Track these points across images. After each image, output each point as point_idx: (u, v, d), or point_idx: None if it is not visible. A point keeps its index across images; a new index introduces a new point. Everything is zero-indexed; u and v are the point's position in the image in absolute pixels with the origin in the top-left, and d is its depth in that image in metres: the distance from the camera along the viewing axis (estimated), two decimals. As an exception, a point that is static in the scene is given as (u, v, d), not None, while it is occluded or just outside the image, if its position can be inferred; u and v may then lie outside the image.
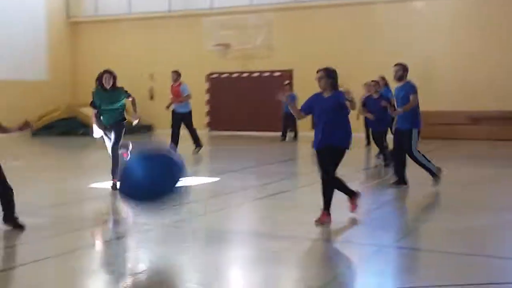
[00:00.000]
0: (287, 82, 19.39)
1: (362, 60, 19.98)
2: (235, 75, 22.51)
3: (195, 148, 14.85)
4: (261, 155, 15.36)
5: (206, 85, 23.20)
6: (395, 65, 9.44)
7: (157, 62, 23.28)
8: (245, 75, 22.39)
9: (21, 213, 7.52)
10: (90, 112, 24.89)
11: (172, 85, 15.04)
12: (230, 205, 8.32)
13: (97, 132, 9.51)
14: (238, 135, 20.93)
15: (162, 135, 21.55)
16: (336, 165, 6.90)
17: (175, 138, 14.51)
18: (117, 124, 9.32)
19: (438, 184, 9.37)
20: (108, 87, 9.42)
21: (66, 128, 21.33)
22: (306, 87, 21.26)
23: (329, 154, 6.82)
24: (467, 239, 6.31)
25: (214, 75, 23.06)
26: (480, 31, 19.44)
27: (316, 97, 7.03)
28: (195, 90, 24.09)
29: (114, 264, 5.56)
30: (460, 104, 19.41)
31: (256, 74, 22.08)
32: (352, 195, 7.17)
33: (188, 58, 22.93)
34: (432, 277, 5.02)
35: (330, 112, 6.79)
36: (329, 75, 6.86)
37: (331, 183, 6.86)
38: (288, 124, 18.67)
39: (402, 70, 9.34)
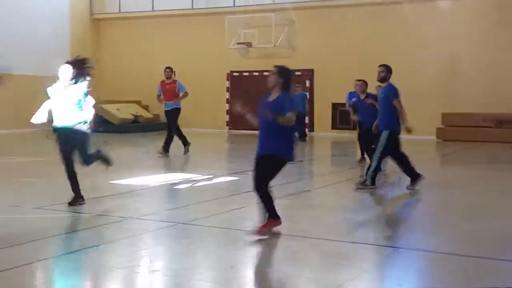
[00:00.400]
0: (297, 83, 18.97)
1: (384, 60, 19.82)
2: (256, 73, 22.50)
3: (162, 150, 13.56)
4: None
5: (226, 83, 23.22)
6: (380, 66, 9.37)
7: (178, 60, 23.36)
8: (266, 74, 22.35)
9: (43, 208, 7.60)
10: (112, 108, 24.60)
11: (163, 82, 13.90)
12: (248, 204, 8.31)
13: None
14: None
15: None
16: (269, 175, 6.23)
17: (182, 137, 13.90)
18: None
19: (357, 191, 9.11)
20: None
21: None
22: (327, 86, 21.28)
23: (263, 163, 6.19)
24: (482, 242, 6.23)
25: (235, 74, 23.07)
26: (505, 32, 19.22)
27: (263, 100, 6.34)
28: (216, 88, 24.21)
29: (130, 261, 5.58)
30: (484, 107, 19.21)
31: (277, 73, 22.04)
32: (272, 217, 6.29)
33: (210, 56, 22.97)
34: (447, 280, 4.96)
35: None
36: (280, 73, 6.26)
37: (260, 195, 6.25)
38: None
39: (385, 72, 9.27)
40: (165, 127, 15.58)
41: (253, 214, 7.83)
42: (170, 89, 13.78)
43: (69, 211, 7.64)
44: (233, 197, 8.89)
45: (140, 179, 9.80)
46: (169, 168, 11.94)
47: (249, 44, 22.18)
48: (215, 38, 22.81)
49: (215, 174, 11.05)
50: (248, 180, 10.34)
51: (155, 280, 5.04)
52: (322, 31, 21.52)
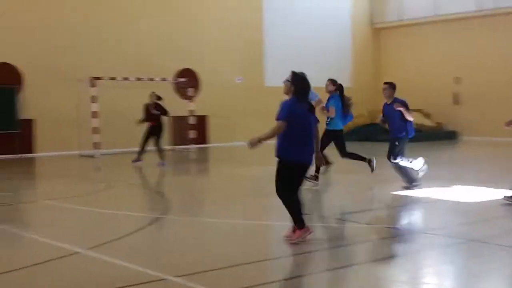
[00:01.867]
0: None
1: None
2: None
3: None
4: None
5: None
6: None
7: (461, 65, 22.38)
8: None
9: (329, 217, 7.73)
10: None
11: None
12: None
13: None
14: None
15: (468, 143, 20.52)
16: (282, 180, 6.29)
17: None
18: None
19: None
20: None
21: (367, 133, 21.66)
22: None
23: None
24: None
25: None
26: None
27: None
28: (501, 95, 22.45)
29: (416, 277, 5.35)
30: None
31: None
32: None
33: (496, 60, 21.56)
34: None
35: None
36: (293, 81, 6.17)
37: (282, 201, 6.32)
38: None
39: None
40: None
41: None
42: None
43: (354, 222, 7.66)
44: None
45: (422, 191, 9.46)
46: (451, 180, 11.30)
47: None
48: (504, 41, 21.30)
49: (503, 187, 10.12)
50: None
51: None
52: None
